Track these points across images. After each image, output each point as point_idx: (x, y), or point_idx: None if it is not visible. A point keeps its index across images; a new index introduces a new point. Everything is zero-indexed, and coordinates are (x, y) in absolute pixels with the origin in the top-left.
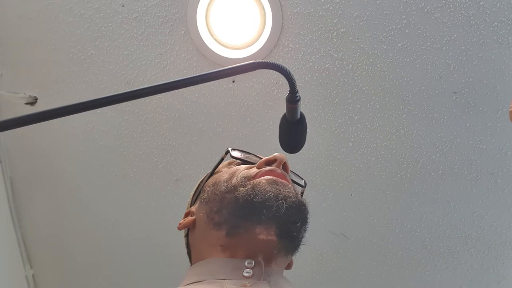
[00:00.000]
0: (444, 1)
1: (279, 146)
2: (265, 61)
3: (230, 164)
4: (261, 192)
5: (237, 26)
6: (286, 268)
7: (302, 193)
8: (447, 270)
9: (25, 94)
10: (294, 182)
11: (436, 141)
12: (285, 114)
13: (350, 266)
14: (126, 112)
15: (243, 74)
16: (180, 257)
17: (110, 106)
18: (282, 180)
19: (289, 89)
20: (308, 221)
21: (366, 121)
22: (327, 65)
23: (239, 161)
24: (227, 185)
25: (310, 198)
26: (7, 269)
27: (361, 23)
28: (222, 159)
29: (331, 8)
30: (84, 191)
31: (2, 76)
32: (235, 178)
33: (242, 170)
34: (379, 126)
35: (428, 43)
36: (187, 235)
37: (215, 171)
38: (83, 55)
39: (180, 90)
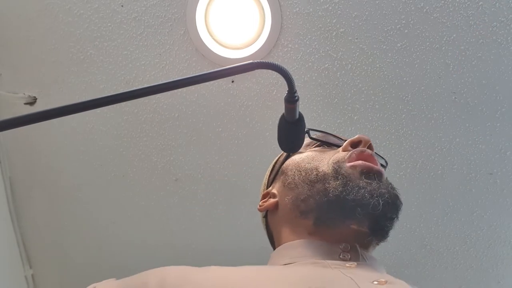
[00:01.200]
0: (443, 1)
1: (279, 146)
2: (264, 61)
3: (307, 145)
4: (354, 190)
5: (236, 26)
6: None
7: None
8: (446, 269)
9: (24, 94)
10: None
11: (435, 141)
12: (283, 114)
13: None
14: (126, 112)
15: (242, 74)
16: (180, 257)
17: (110, 106)
18: (376, 168)
19: (287, 89)
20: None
21: (365, 121)
22: (326, 65)
23: (317, 142)
24: (316, 174)
25: None
26: (6, 269)
27: (360, 23)
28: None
29: (330, 8)
30: (83, 191)
31: (1, 76)
32: (325, 165)
33: (332, 155)
34: (378, 126)
35: (427, 43)
36: (265, 216)
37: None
38: (82, 55)
39: (179, 90)
